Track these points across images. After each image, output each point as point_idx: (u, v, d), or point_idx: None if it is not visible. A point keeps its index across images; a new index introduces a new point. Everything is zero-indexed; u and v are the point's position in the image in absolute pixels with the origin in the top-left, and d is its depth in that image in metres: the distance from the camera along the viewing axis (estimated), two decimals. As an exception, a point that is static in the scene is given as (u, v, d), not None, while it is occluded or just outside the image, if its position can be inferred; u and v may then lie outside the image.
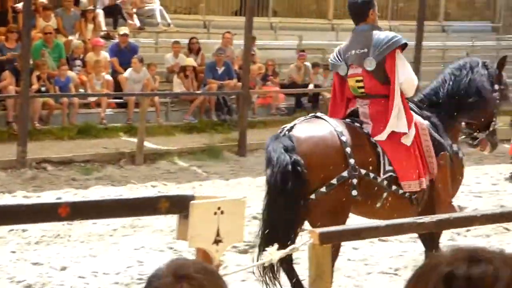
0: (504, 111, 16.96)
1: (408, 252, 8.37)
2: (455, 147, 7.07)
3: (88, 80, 16.10)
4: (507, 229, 9.49)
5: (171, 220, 9.36)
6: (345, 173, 6.36)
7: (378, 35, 6.81)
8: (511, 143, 13.25)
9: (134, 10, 19.87)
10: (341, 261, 8.02)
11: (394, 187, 6.62)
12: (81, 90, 15.97)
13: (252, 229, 9.01)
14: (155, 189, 11.38)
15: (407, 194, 6.67)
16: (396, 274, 7.89)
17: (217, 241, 5.12)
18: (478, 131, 7.47)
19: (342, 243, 7.89)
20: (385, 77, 6.73)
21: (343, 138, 6.40)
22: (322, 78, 18.81)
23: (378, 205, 6.55)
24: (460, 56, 22.52)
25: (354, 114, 6.83)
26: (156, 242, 8.65)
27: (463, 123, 7.44)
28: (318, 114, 6.81)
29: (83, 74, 16.27)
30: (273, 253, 5.98)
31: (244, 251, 8.33)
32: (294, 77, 18.37)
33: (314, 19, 23.85)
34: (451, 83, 7.23)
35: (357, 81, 6.84)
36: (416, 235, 7.24)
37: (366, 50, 6.79)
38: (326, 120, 6.57)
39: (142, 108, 14.09)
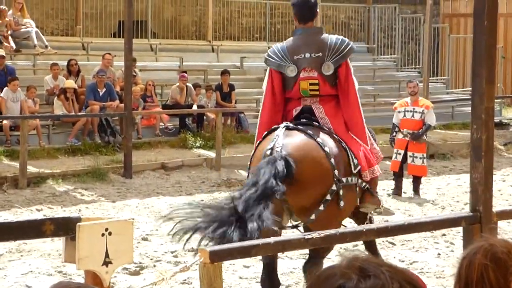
0: (383, 129, 17.61)
1: (298, 268, 8.50)
2: None
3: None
4: (392, 243, 9.81)
5: (59, 243, 9.26)
6: (334, 187, 6.53)
7: (330, 39, 7.01)
8: (392, 160, 13.65)
9: (10, 32, 19.53)
10: (233, 279, 8.14)
11: (359, 180, 6.83)
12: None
13: (142, 251, 9.07)
14: (41, 212, 11.20)
15: (364, 185, 6.89)
16: (287, 291, 8.03)
17: (106, 263, 5.11)
18: None
19: (234, 262, 8.03)
20: (335, 80, 6.97)
21: (326, 149, 6.55)
22: (205, 98, 18.98)
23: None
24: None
25: (304, 112, 6.95)
26: (44, 266, 8.53)
27: None
28: (289, 125, 6.79)
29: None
30: (164, 273, 6.05)
31: (136, 273, 8.34)
32: (176, 98, 18.43)
33: (194, 40, 24.03)
34: None
35: (311, 84, 6.97)
36: (306, 251, 7.39)
37: (320, 54, 6.93)
38: (305, 132, 6.65)
39: (23, 131, 13.86)
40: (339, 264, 1.99)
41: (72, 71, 17.89)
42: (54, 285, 2.26)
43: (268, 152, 6.51)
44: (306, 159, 6.50)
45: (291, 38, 7.13)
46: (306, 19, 7.04)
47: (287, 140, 6.57)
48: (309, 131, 6.67)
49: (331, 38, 7.03)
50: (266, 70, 7.44)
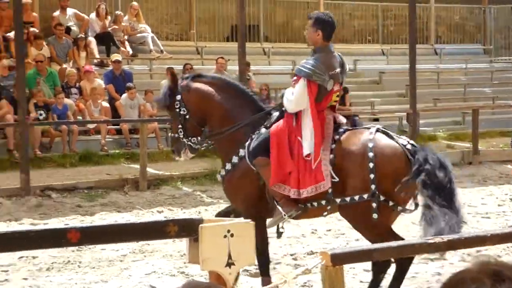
0: (502, 132, 17.25)
1: (420, 273, 8.37)
2: None
3: (86, 108, 16.25)
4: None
5: (180, 244, 9.47)
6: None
7: (338, 56, 7.49)
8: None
9: (126, 37, 20.04)
10: (354, 283, 8.10)
11: None
12: (80, 118, 16.10)
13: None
14: (162, 214, 11.42)
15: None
16: (409, 296, 7.94)
17: (229, 264, 5.20)
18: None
19: (354, 265, 8.00)
20: None
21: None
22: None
23: None
24: (453, 78, 22.93)
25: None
26: (167, 266, 8.70)
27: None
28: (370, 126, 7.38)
29: (80, 102, 16.42)
30: (286, 275, 6.10)
31: (256, 275, 8.41)
32: (289, 101, 18.48)
33: (306, 43, 24.06)
34: None
35: (337, 95, 7.51)
36: (428, 256, 7.31)
37: (339, 69, 7.38)
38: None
39: (142, 135, 14.20)
40: (468, 269, 1.90)
41: (190, 78, 18.08)
42: (184, 285, 2.30)
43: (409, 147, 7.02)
44: None
45: (320, 54, 7.27)
46: (331, 37, 7.41)
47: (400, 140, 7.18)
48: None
49: (337, 55, 7.48)
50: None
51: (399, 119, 19.59)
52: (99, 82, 17.08)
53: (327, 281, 5.30)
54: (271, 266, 8.74)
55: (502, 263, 1.91)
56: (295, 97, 7.14)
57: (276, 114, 7.46)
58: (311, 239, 10.20)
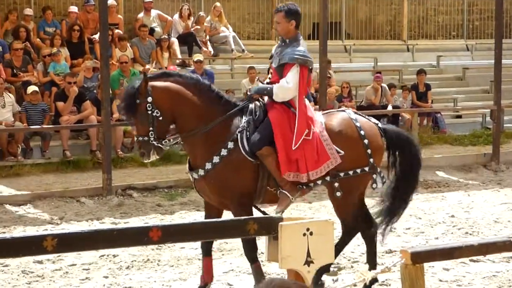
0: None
1: (502, 272, 8.23)
2: None
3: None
4: None
5: (258, 243, 9.42)
6: None
7: None
8: None
9: (208, 37, 20.16)
10: (432, 282, 7.96)
11: None
12: (161, 118, 16.21)
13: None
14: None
15: None
16: (491, 295, 7.80)
17: (308, 262, 5.14)
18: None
19: (433, 264, 7.86)
20: None
21: None
22: (401, 99, 18.78)
23: None
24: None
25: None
26: (245, 265, 8.67)
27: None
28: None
29: (162, 102, 16.53)
30: (365, 273, 5.98)
31: (333, 273, 8.34)
32: (371, 98, 18.32)
33: (389, 40, 23.80)
34: None
35: None
36: (509, 254, 7.15)
37: None
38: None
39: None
40: None
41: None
42: (270, 281, 2.26)
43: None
44: None
45: (297, 42, 7.62)
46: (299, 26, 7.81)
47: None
48: None
49: None
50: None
51: (483, 115, 19.18)
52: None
53: (407, 280, 5.23)
54: (348, 264, 8.64)
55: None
56: (293, 84, 7.42)
57: (252, 106, 7.62)
58: (389, 238, 10.01)
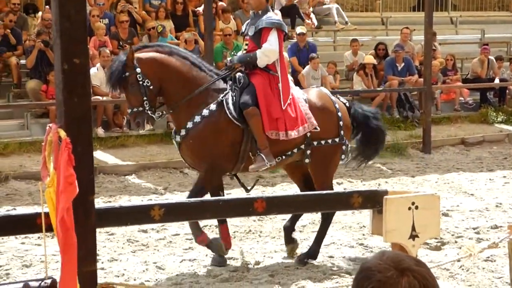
0: None
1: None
2: None
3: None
4: None
5: (359, 216, 9.37)
6: None
7: None
8: None
9: (311, 9, 20.04)
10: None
11: None
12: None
13: (443, 226, 8.90)
14: (341, 186, 11.36)
15: None
16: None
17: (413, 236, 5.08)
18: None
19: None
20: None
21: None
22: (508, 71, 18.30)
23: None
24: None
25: None
26: (346, 238, 8.65)
27: None
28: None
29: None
30: (472, 248, 5.87)
31: (437, 248, 8.21)
32: (477, 71, 17.92)
33: (497, 11, 23.20)
34: None
35: None
36: None
37: None
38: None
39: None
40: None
41: (379, 55, 17.78)
42: (382, 254, 2.21)
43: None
44: None
45: (270, 12, 8.02)
46: None
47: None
48: None
49: None
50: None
51: None
52: (284, 55, 17.13)
53: (515, 256, 5.11)
54: (452, 239, 8.49)
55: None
56: (276, 45, 7.73)
57: (235, 75, 7.87)
58: (495, 213, 9.85)
